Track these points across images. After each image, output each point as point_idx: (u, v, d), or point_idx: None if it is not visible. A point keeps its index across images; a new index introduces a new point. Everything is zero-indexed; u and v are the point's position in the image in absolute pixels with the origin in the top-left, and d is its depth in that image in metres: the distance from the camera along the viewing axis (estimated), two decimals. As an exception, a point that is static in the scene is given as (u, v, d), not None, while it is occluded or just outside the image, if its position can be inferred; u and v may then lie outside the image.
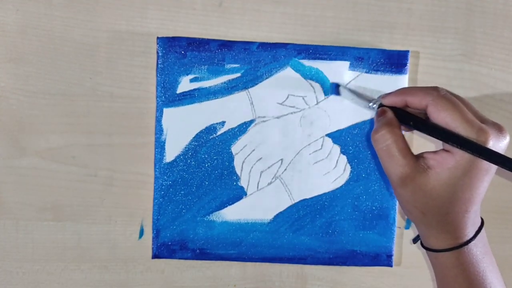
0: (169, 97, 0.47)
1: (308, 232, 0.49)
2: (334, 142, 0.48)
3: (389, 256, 0.49)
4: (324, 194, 0.49)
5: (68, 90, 0.47)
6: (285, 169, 0.48)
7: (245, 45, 0.47)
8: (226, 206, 0.48)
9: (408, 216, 0.44)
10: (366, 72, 0.48)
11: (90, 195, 0.48)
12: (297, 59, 0.47)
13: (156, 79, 0.47)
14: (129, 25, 0.47)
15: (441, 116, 0.40)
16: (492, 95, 0.49)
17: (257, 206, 0.48)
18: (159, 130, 0.47)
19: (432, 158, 0.41)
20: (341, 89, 0.47)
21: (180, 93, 0.47)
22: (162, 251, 0.48)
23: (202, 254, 0.49)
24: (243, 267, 0.50)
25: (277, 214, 0.49)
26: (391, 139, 0.41)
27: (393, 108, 0.43)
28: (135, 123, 0.48)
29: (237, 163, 0.48)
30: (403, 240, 0.50)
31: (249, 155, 0.48)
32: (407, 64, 0.48)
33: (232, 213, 0.48)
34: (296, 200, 0.49)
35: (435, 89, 0.41)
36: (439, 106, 0.40)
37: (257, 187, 0.48)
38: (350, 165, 0.49)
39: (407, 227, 0.50)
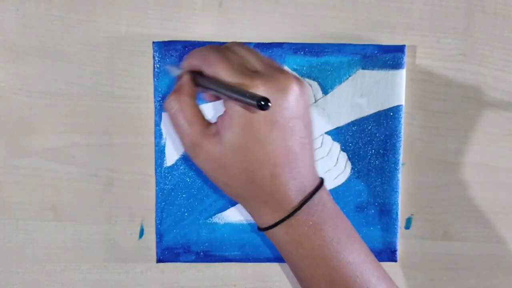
0: None
1: None
2: (334, 139, 0.48)
3: (393, 251, 0.49)
4: None
5: (68, 90, 0.47)
6: (285, 169, 0.48)
7: None
8: (229, 208, 0.48)
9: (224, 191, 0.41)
10: (363, 68, 0.48)
11: (90, 195, 0.48)
12: (294, 57, 0.47)
13: (153, 83, 0.47)
14: (129, 25, 0.47)
15: (210, 71, 0.38)
16: (492, 95, 0.49)
17: None
18: (158, 134, 0.47)
19: (219, 121, 0.38)
20: (168, 68, 0.46)
21: None
22: (166, 255, 0.48)
23: (207, 257, 0.48)
24: (243, 267, 0.50)
25: None
26: (176, 106, 0.38)
27: (195, 74, 0.40)
28: (135, 123, 0.48)
29: None
30: (404, 239, 0.50)
31: None
32: (404, 59, 0.48)
33: (234, 214, 0.48)
34: None
35: (209, 45, 0.39)
36: (207, 61, 0.38)
37: None
38: (351, 162, 0.49)
39: (407, 227, 0.50)
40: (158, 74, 0.47)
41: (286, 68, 0.43)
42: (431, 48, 0.49)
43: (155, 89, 0.47)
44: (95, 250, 0.49)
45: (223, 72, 0.37)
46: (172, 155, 0.48)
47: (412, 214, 0.50)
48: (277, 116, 0.37)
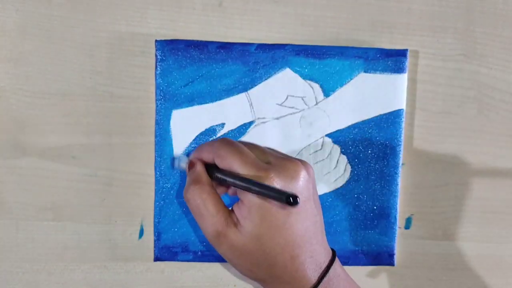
0: (168, 99, 0.47)
1: None
2: (334, 142, 0.48)
3: (391, 255, 0.49)
4: (325, 194, 0.49)
5: (68, 90, 0.47)
6: (285, 170, 0.48)
7: (244, 47, 0.47)
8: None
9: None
10: (365, 72, 0.48)
11: (90, 195, 0.48)
12: (296, 59, 0.47)
13: (155, 82, 0.47)
14: (129, 25, 0.47)
15: (225, 164, 0.40)
16: (492, 95, 0.49)
17: None
18: (158, 133, 0.47)
19: (236, 211, 0.40)
20: (176, 158, 0.47)
21: (179, 96, 0.47)
22: (163, 253, 0.48)
23: (204, 256, 0.48)
24: (243, 267, 0.50)
25: None
26: (199, 197, 0.40)
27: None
28: (135, 123, 0.48)
29: None
30: (404, 239, 0.50)
31: None
32: (406, 63, 0.48)
33: None
34: None
35: (220, 140, 0.41)
36: (221, 155, 0.40)
37: None
38: (351, 165, 0.49)
39: (407, 227, 0.50)
40: (160, 73, 0.47)
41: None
42: (431, 48, 0.49)
43: (157, 88, 0.47)
44: (95, 250, 0.49)
45: (237, 166, 0.39)
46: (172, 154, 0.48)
47: (412, 214, 0.50)
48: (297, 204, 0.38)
